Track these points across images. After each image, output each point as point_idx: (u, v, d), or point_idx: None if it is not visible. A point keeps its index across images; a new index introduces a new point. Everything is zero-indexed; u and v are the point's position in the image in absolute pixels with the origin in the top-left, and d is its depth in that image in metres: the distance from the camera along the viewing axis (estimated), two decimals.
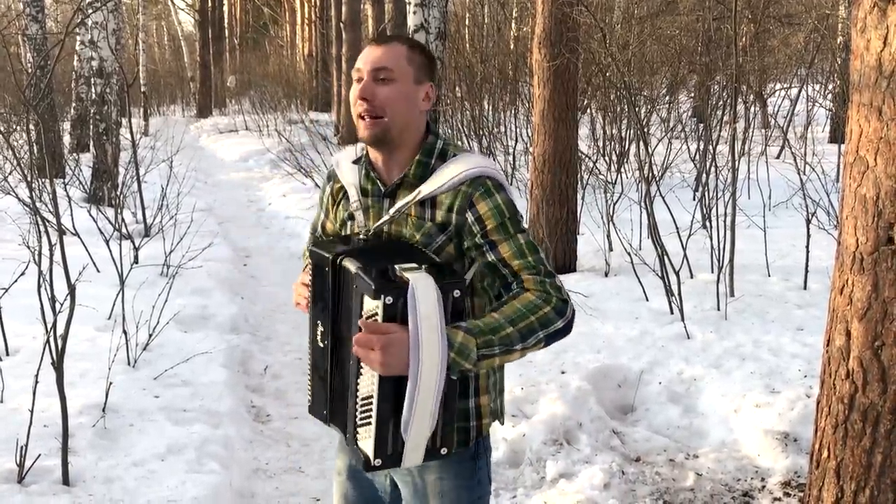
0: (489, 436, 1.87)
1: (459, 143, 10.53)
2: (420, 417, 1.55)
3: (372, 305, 1.53)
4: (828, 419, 2.85)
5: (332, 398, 1.73)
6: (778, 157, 11.26)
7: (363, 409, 1.59)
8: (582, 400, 4.00)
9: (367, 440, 1.59)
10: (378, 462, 1.59)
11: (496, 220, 1.71)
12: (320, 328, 1.71)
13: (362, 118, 1.72)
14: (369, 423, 1.58)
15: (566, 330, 1.67)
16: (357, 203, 1.81)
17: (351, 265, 1.60)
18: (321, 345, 1.72)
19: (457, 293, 1.57)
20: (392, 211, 1.74)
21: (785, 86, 12.97)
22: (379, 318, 1.52)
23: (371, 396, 1.56)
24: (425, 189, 1.72)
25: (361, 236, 1.78)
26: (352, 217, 1.84)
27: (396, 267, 1.56)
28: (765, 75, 12.48)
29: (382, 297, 1.50)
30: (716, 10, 10.38)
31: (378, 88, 1.71)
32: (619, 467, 3.52)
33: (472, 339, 1.55)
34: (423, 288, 1.51)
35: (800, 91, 12.42)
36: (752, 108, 12.16)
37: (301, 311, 1.87)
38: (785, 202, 7.91)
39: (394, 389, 1.55)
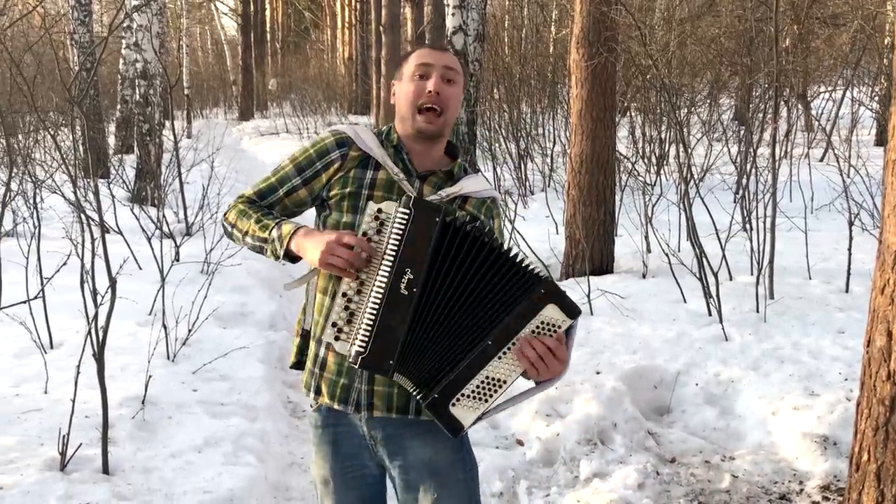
0: None
1: (497, 144, 10.54)
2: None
3: (558, 318, 1.74)
4: (868, 421, 2.80)
5: (406, 350, 1.73)
6: (821, 159, 11.08)
7: (486, 387, 1.75)
8: (617, 400, 3.98)
9: (470, 411, 1.75)
10: (467, 429, 1.78)
11: (501, 237, 2.05)
12: (408, 275, 1.71)
13: (423, 112, 1.89)
14: (484, 401, 1.75)
15: None
16: (401, 174, 1.91)
17: (549, 279, 1.75)
18: (404, 292, 1.71)
19: None
20: (443, 193, 1.92)
21: (829, 88, 12.75)
22: (561, 330, 1.74)
23: (503, 381, 1.75)
24: (467, 189, 1.96)
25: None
26: (373, 186, 1.89)
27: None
28: (808, 77, 12.28)
29: (577, 318, 1.76)
30: (758, 11, 10.25)
31: (445, 87, 1.90)
32: (654, 468, 3.50)
33: None
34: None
35: (844, 93, 12.20)
36: (795, 111, 11.98)
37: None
38: (828, 205, 7.79)
39: None
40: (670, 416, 4.13)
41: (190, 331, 4.52)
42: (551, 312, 1.72)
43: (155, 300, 4.92)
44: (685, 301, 5.29)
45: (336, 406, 1.89)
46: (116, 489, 2.97)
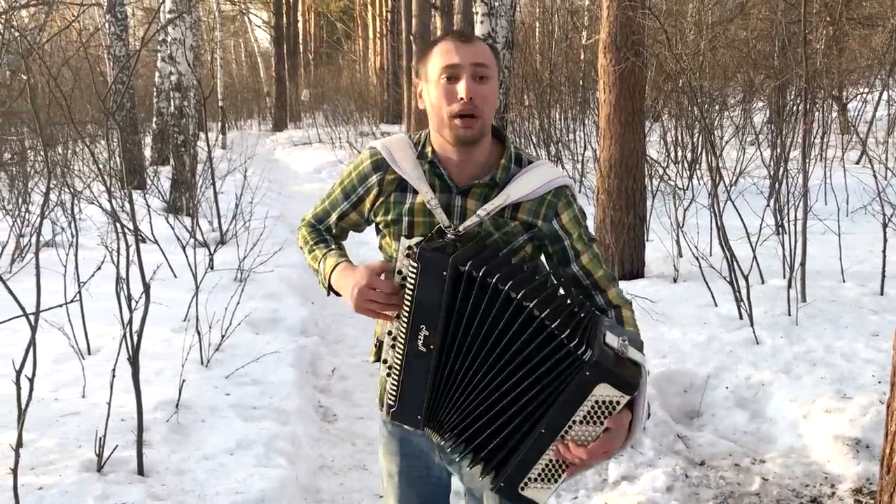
0: None
1: (527, 151, 10.56)
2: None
3: (613, 395, 1.54)
4: None
5: (437, 408, 1.69)
6: (858, 162, 10.93)
7: (551, 469, 1.63)
8: None
9: (542, 492, 1.65)
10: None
11: (576, 230, 1.81)
12: (424, 332, 1.63)
13: (457, 118, 1.69)
14: (554, 481, 1.64)
15: None
16: (434, 200, 1.77)
17: (595, 355, 1.53)
18: (422, 349, 1.65)
19: None
20: (482, 212, 1.74)
21: (864, 90, 12.58)
22: (620, 406, 1.54)
23: (568, 462, 1.62)
24: (514, 194, 1.75)
25: (451, 235, 1.75)
26: (413, 212, 1.80)
27: (625, 348, 1.57)
28: (843, 78, 12.12)
29: (634, 393, 1.54)
30: (791, 14, 10.15)
31: (479, 87, 1.70)
32: (683, 471, 3.49)
33: None
34: (645, 367, 1.58)
35: (881, 95, 12.03)
36: (830, 113, 11.84)
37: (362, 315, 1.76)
38: (864, 207, 7.69)
39: None
40: (700, 419, 4.11)
41: (223, 336, 4.60)
42: (604, 391, 1.53)
43: (189, 307, 5.01)
44: (716, 305, 5.26)
45: (407, 427, 1.85)
46: (151, 490, 3.04)
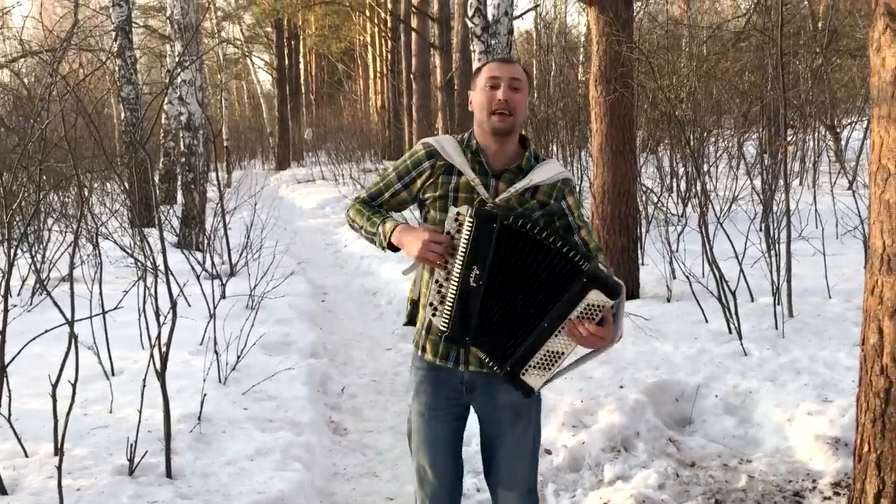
0: None
1: None
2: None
3: (601, 300, 2.12)
4: (867, 414, 3.01)
5: (480, 328, 2.22)
6: (849, 188, 11.24)
7: (547, 358, 2.21)
8: (640, 412, 4.21)
9: (537, 378, 2.23)
10: (538, 391, 2.26)
11: (577, 210, 2.43)
12: (475, 271, 2.18)
13: (495, 114, 2.32)
14: (547, 369, 2.22)
15: None
16: (477, 180, 2.35)
17: (591, 268, 2.13)
18: (473, 284, 2.19)
19: None
20: (513, 189, 2.34)
21: (854, 119, 12.93)
22: (606, 308, 2.13)
23: (561, 353, 2.20)
24: (536, 179, 2.36)
25: (490, 205, 2.31)
26: (457, 189, 2.36)
27: (606, 267, 2.21)
28: (835, 108, 12.46)
29: (618, 297, 2.14)
30: (773, 48, 10.51)
31: (512, 94, 2.34)
32: (674, 471, 3.72)
33: None
34: (623, 292, 2.16)
35: (869, 123, 12.37)
36: (820, 141, 12.17)
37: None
38: (852, 230, 7.96)
39: None
40: (691, 426, 4.34)
41: (239, 357, 4.85)
42: (595, 296, 2.11)
43: (205, 331, 5.27)
44: (707, 321, 5.51)
45: (438, 362, 2.42)
46: (179, 490, 3.28)
